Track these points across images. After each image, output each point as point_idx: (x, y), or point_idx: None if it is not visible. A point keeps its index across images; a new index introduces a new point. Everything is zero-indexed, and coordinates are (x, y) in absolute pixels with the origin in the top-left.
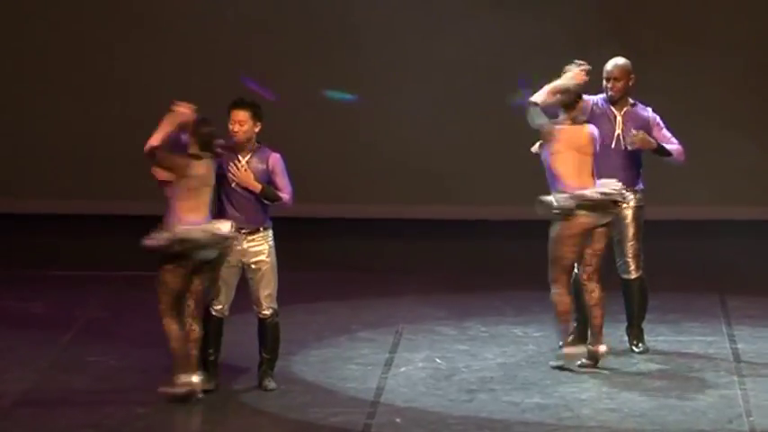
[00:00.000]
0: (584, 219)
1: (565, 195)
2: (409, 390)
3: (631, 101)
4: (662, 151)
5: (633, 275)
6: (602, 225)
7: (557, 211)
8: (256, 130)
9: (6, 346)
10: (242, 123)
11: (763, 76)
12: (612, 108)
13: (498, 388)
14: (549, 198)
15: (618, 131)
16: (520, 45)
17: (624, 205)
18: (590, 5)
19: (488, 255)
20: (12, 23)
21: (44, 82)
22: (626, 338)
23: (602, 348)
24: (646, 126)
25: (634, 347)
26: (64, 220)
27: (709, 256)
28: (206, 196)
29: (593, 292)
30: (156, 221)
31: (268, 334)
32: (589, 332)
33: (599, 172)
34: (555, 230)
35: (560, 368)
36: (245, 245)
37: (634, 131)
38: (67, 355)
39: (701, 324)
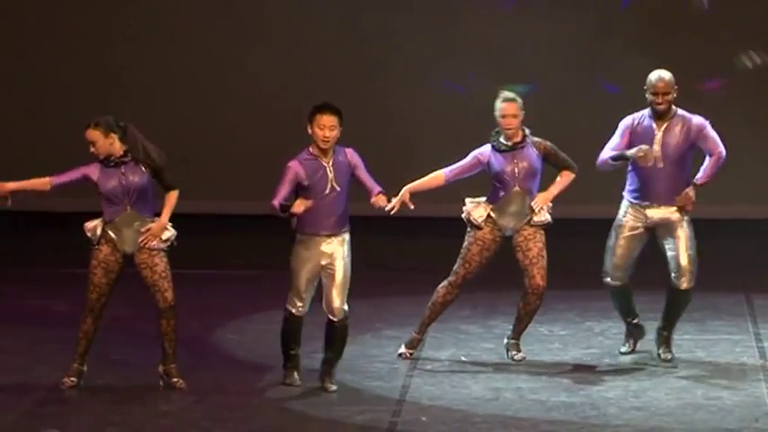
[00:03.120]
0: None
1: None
2: (435, 388)
3: (673, 111)
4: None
5: (684, 286)
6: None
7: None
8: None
9: (30, 345)
10: (332, 128)
11: None
12: (654, 125)
13: (524, 386)
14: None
15: (656, 149)
16: (535, 46)
17: (676, 219)
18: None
19: (512, 254)
20: (17, 26)
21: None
22: (651, 338)
23: (519, 355)
24: (686, 140)
25: (661, 353)
26: (83, 219)
27: (736, 255)
28: None
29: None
30: (172, 219)
31: (336, 336)
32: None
33: (648, 191)
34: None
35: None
36: (323, 247)
37: (678, 201)
38: (91, 352)
39: (727, 323)
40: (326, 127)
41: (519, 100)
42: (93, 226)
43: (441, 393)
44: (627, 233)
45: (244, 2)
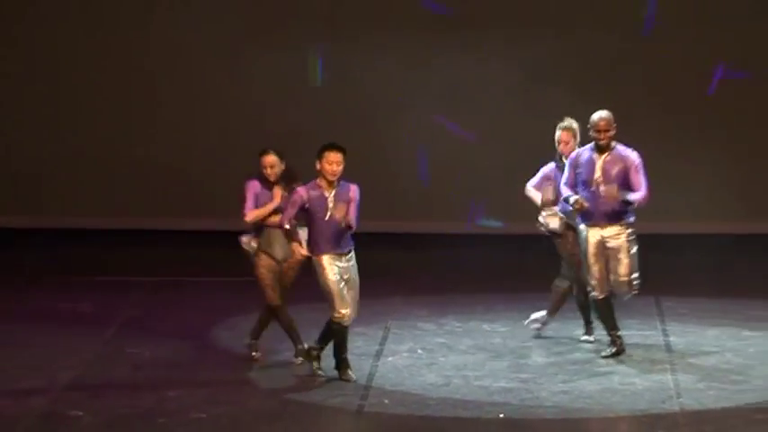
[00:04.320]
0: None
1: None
2: (396, 376)
3: (613, 145)
4: (626, 202)
5: (593, 294)
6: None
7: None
8: None
9: (58, 340)
10: (339, 164)
11: (694, 95)
12: (594, 155)
13: (470, 374)
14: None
15: (597, 175)
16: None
17: (619, 238)
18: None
19: (462, 263)
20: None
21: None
22: (580, 331)
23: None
24: (623, 169)
25: (590, 337)
26: (107, 234)
27: (647, 264)
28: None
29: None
30: (179, 235)
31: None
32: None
33: (590, 212)
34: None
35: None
36: (345, 263)
37: (603, 188)
38: (110, 347)
39: (639, 321)
40: (334, 162)
41: (573, 127)
42: (248, 240)
43: (401, 380)
44: (594, 249)
45: (251, 49)
